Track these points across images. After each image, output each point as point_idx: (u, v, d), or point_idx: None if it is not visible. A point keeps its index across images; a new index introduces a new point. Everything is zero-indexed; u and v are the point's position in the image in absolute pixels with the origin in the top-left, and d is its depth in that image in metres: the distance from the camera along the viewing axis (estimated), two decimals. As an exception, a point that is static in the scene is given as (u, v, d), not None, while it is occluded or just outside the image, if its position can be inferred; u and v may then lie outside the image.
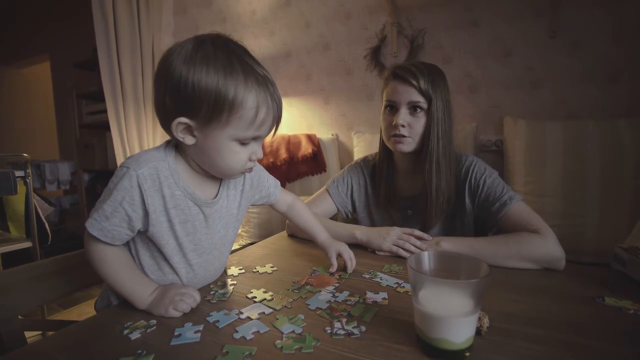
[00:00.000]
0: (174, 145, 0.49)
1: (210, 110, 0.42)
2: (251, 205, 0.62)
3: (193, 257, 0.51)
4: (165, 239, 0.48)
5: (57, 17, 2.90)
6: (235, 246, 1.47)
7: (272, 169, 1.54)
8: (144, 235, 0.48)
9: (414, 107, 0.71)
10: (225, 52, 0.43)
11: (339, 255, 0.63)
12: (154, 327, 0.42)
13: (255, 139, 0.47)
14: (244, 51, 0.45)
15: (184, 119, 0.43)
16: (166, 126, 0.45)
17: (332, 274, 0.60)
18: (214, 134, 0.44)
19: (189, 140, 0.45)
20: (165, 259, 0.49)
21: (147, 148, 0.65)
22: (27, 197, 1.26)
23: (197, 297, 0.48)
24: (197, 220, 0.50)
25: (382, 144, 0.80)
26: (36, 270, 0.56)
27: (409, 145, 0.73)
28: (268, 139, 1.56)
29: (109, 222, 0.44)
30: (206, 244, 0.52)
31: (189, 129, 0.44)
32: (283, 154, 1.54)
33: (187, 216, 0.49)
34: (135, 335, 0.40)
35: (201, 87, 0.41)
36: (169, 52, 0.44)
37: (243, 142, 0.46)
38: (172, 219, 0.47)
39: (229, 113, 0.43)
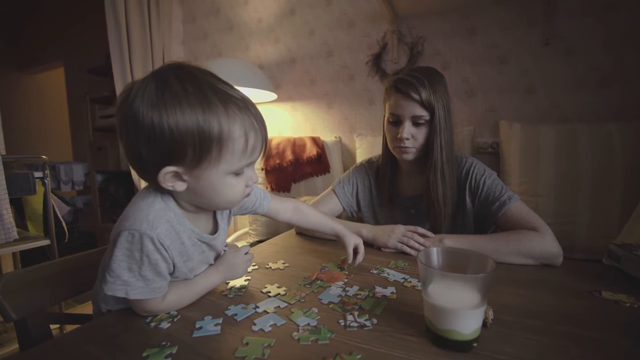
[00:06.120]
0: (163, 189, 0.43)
1: (197, 151, 0.38)
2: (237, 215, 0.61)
3: (188, 274, 0.50)
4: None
5: (71, 25, 2.92)
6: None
7: (279, 169, 1.56)
8: None
9: (416, 120, 0.73)
10: (195, 84, 0.38)
11: (355, 249, 0.63)
12: (177, 318, 0.44)
13: (248, 165, 0.44)
14: (213, 76, 0.41)
15: (170, 168, 0.39)
16: (148, 177, 0.41)
17: (342, 268, 0.61)
18: (206, 173, 0.40)
19: (179, 186, 0.41)
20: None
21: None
22: (45, 197, 1.28)
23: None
24: (201, 254, 0.49)
25: (385, 147, 0.82)
26: (60, 266, 0.57)
27: (413, 154, 0.75)
28: (275, 141, 1.61)
29: (158, 283, 0.42)
30: (202, 267, 0.51)
31: (177, 176, 0.40)
32: (289, 155, 1.56)
33: (198, 254, 0.48)
34: (165, 325, 0.42)
35: (181, 130, 0.37)
36: (127, 96, 0.38)
37: (238, 173, 0.43)
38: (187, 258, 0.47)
39: (219, 149, 0.39)
